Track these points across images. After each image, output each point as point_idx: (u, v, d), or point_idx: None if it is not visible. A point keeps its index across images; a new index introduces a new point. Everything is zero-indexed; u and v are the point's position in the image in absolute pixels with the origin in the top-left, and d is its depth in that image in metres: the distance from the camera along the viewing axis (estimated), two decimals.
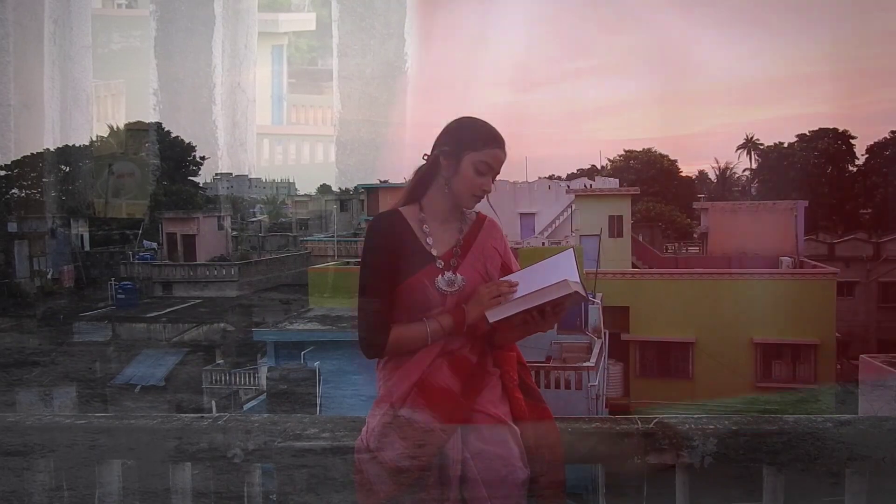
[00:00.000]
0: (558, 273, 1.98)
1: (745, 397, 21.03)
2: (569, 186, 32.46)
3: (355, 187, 44.87)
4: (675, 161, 49.42)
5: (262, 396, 17.96)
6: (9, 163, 39.56)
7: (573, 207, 28.44)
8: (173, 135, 43.97)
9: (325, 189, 58.45)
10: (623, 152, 49.38)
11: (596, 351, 17.00)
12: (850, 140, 44.95)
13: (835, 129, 45.10)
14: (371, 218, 2.28)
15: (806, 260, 25.64)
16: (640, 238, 30.73)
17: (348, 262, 24.79)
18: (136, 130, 39.16)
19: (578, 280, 1.98)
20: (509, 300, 2.01)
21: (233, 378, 22.99)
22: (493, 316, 1.99)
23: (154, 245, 36.03)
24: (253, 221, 50.18)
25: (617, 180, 37.83)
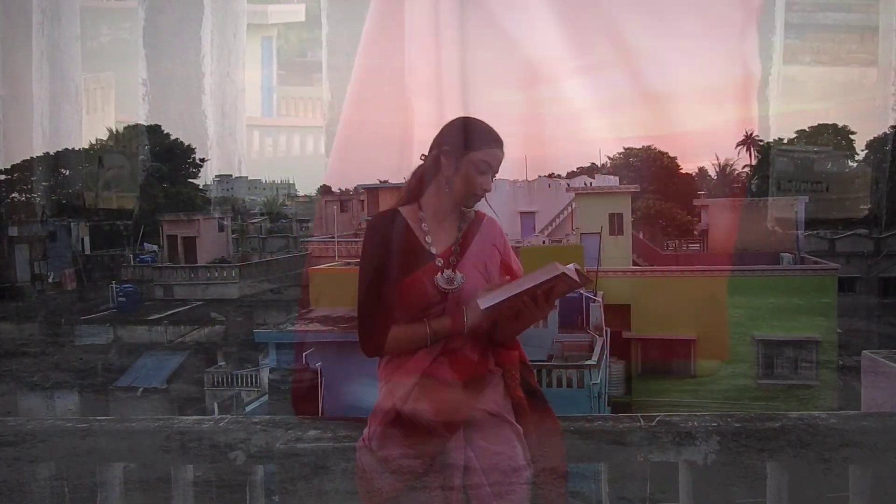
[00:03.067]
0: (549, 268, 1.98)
1: (747, 394, 21.03)
2: (569, 184, 32.45)
3: (355, 187, 44.84)
4: (675, 158, 49.32)
5: (264, 398, 17.96)
6: (8, 167, 39.62)
7: (573, 206, 28.44)
8: (173, 137, 43.99)
9: (325, 190, 58.38)
10: (623, 150, 49.31)
11: (597, 349, 16.99)
12: (850, 136, 44.90)
13: (834, 125, 45.06)
14: (371, 218, 2.28)
15: (806, 256, 25.63)
16: (641, 236, 30.72)
17: (349, 263, 24.78)
18: (133, 129, 39.12)
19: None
20: (500, 287, 2.02)
21: (234, 379, 23.01)
22: (485, 302, 1.98)
23: (155, 247, 36.05)
24: (253, 223, 50.17)
25: (617, 178, 37.79)
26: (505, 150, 2.15)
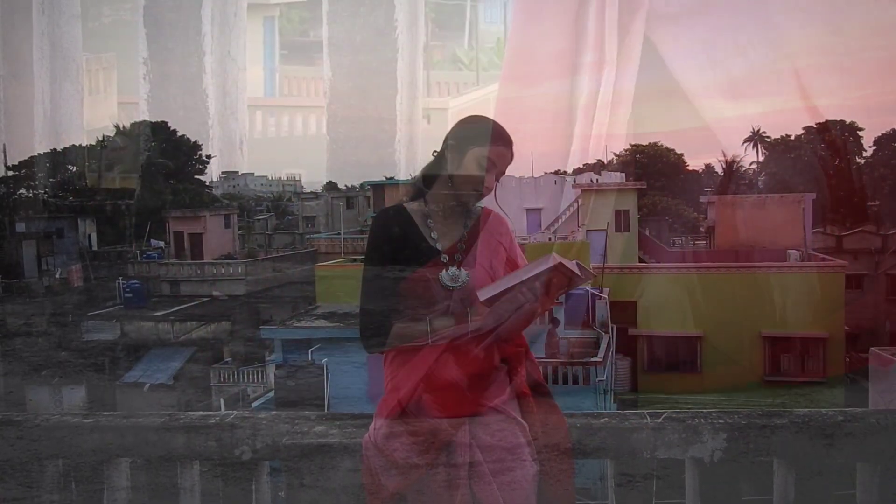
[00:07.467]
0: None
1: (753, 391, 20.98)
2: (575, 181, 32.36)
3: (361, 184, 44.87)
4: (682, 155, 49.25)
5: (271, 394, 18.00)
6: (16, 163, 39.75)
7: (579, 202, 28.38)
8: (179, 133, 44.06)
9: (331, 186, 58.54)
10: (629, 146, 49.19)
11: (603, 346, 16.98)
12: (858, 132, 44.71)
13: (842, 121, 44.86)
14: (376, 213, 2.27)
15: (814, 253, 25.52)
16: (647, 232, 30.65)
17: (355, 259, 24.82)
18: (138, 125, 39.19)
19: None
20: (499, 280, 2.01)
21: (241, 376, 23.07)
22: (483, 295, 1.98)
23: (161, 244, 36.15)
24: (259, 219, 50.25)
25: (623, 175, 37.69)
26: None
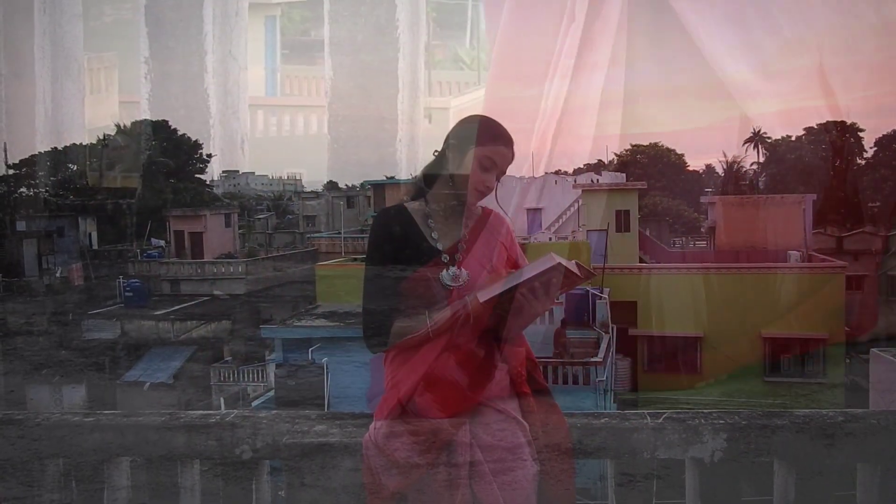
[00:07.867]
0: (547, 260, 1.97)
1: (753, 391, 20.98)
2: (575, 181, 32.34)
3: (362, 183, 44.86)
4: (683, 155, 49.30)
5: (271, 393, 18.01)
6: (17, 161, 39.77)
7: (580, 202, 28.35)
8: (180, 132, 44.05)
9: (332, 185, 58.53)
10: (630, 147, 49.20)
11: (603, 346, 16.97)
12: (859, 133, 44.68)
13: (843, 122, 44.82)
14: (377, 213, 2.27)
15: (814, 254, 25.51)
16: (648, 232, 30.65)
17: (355, 259, 24.84)
18: (139, 124, 39.19)
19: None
20: (498, 280, 2.01)
21: (241, 375, 23.07)
22: (483, 295, 1.98)
23: (161, 243, 36.16)
24: (260, 219, 50.26)
25: (624, 175, 37.68)
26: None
